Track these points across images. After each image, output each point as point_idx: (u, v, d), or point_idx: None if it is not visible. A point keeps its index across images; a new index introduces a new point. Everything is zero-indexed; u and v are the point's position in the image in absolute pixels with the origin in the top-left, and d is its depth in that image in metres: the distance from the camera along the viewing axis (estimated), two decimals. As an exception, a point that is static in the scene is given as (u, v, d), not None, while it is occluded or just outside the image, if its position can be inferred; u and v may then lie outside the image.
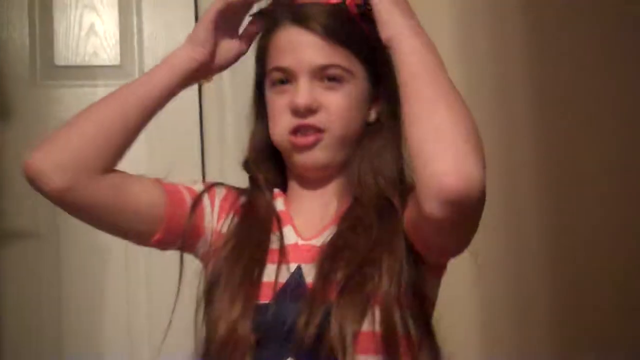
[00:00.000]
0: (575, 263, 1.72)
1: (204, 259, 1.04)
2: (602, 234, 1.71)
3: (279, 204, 1.05)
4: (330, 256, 0.95)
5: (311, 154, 1.00)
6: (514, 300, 1.74)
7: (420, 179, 0.82)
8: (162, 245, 1.02)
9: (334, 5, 1.01)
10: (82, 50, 1.90)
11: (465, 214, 0.81)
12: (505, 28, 1.83)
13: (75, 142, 0.96)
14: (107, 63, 1.89)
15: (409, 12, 0.95)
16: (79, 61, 1.89)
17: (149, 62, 1.86)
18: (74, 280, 1.81)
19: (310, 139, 0.99)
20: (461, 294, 1.57)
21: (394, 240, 0.95)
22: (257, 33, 1.07)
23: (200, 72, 1.05)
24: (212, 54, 1.04)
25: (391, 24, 0.93)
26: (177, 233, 1.01)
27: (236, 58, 1.08)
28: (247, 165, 1.08)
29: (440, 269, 1.00)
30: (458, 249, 0.91)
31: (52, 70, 1.89)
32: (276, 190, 1.06)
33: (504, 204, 1.70)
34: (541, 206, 1.76)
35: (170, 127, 1.77)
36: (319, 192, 1.05)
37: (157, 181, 1.02)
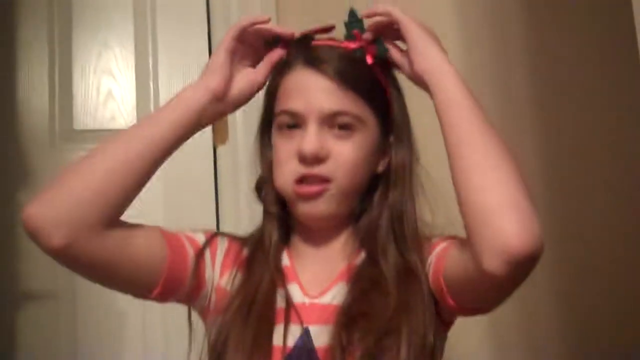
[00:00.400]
0: (579, 265, 1.69)
1: (203, 314, 1.01)
2: (606, 234, 1.68)
3: (284, 258, 1.01)
4: (345, 325, 0.90)
5: (315, 204, 0.95)
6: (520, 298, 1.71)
7: (479, 235, 0.79)
8: (162, 298, 0.96)
9: (351, 50, 0.98)
10: (100, 115, 1.92)
11: (526, 272, 0.79)
12: (507, 26, 1.82)
13: (74, 196, 0.87)
14: (125, 127, 1.89)
15: (442, 47, 0.95)
16: (97, 125, 1.90)
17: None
18: (91, 343, 1.79)
19: (315, 188, 0.94)
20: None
21: (413, 303, 0.91)
22: (275, 63, 1.01)
23: (214, 107, 0.97)
24: (227, 84, 0.97)
25: (429, 56, 0.92)
26: (176, 286, 0.96)
27: (252, 90, 1.01)
28: (259, 191, 1.05)
29: (451, 324, 0.98)
30: (499, 303, 0.87)
31: (70, 135, 1.91)
32: (280, 245, 1.02)
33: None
34: (545, 206, 1.73)
35: (185, 169, 1.79)
36: (324, 246, 1.01)
37: (159, 231, 0.96)
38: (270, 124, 1.02)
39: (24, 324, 1.78)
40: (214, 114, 0.98)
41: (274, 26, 1.02)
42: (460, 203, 0.83)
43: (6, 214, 1.79)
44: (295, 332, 0.93)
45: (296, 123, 0.96)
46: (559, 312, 1.72)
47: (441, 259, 0.91)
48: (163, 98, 1.92)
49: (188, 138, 0.96)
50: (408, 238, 0.97)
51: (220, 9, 1.93)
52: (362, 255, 1.00)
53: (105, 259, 0.89)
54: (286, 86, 0.98)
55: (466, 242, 0.83)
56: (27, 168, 1.84)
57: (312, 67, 0.96)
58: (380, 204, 1.00)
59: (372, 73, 0.99)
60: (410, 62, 0.95)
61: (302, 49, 0.98)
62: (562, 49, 1.77)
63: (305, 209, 0.96)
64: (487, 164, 0.83)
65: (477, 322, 1.66)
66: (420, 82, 0.94)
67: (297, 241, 1.03)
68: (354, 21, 0.99)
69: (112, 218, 0.89)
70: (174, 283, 0.95)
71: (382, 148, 1.01)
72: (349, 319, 0.91)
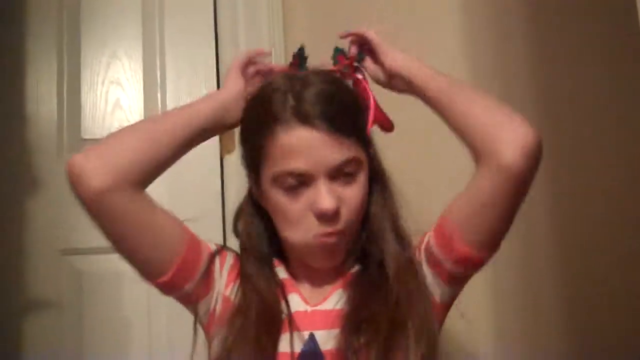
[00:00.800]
0: (582, 261, 1.69)
1: (207, 320, 1.03)
2: (608, 232, 1.68)
3: (281, 272, 1.05)
4: (351, 329, 0.94)
5: (334, 253, 1.01)
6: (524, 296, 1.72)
7: (499, 139, 0.91)
8: (168, 287, 1.00)
9: (332, 80, 1.03)
10: (108, 124, 1.92)
11: (538, 164, 0.92)
12: (509, 26, 1.82)
13: (123, 147, 0.98)
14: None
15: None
16: (104, 135, 1.87)
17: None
18: (97, 352, 1.79)
19: (334, 238, 0.99)
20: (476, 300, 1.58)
21: (415, 294, 0.97)
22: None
23: (231, 109, 1.08)
24: (240, 94, 1.09)
25: (399, 56, 1.10)
26: (185, 279, 1.00)
27: None
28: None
29: (463, 280, 1.03)
30: (514, 212, 0.96)
31: (78, 144, 1.91)
32: (275, 259, 1.07)
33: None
34: (548, 206, 1.73)
35: (192, 179, 1.80)
36: (323, 270, 1.05)
37: (182, 223, 1.03)
38: (257, 177, 1.04)
39: (30, 333, 1.79)
40: (229, 116, 1.09)
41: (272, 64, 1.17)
42: (472, 132, 0.96)
43: (14, 222, 1.81)
44: (300, 338, 0.96)
45: (301, 182, 0.97)
46: (563, 316, 1.72)
47: (441, 222, 1.00)
48: (170, 108, 1.92)
49: (207, 135, 1.08)
50: (401, 230, 1.05)
51: (227, 21, 1.95)
52: (356, 266, 1.05)
53: (133, 220, 0.97)
54: (281, 146, 0.98)
55: (468, 188, 0.97)
56: (35, 177, 1.85)
57: (304, 124, 0.96)
58: (370, 215, 1.06)
59: (355, 104, 1.04)
60: (383, 67, 1.11)
61: (286, 105, 0.99)
62: (566, 47, 1.77)
63: (325, 257, 1.01)
64: (480, 95, 1.01)
65: (481, 325, 1.69)
66: (394, 77, 1.09)
67: (294, 259, 1.07)
68: (337, 51, 1.14)
69: (148, 177, 0.99)
70: (184, 275, 1.00)
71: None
72: (354, 323, 0.95)
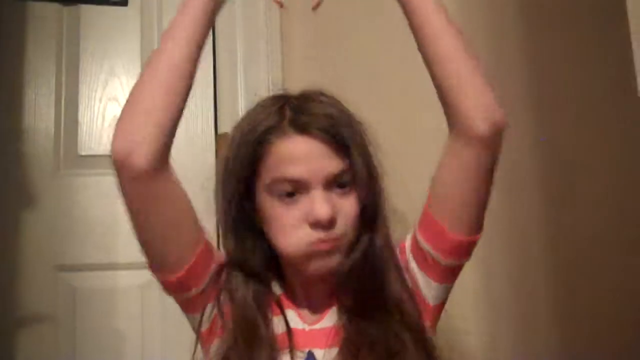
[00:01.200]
0: (576, 267, 1.68)
1: (204, 325, 1.01)
2: (605, 240, 1.66)
3: (275, 287, 1.04)
4: (352, 351, 0.95)
5: (329, 260, 0.98)
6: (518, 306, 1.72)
7: (470, 108, 0.94)
8: (178, 285, 0.98)
9: (329, 96, 1.03)
10: (105, 141, 1.92)
11: (502, 134, 0.95)
12: (503, 26, 1.82)
13: (146, 110, 0.91)
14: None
15: None
16: (101, 151, 1.90)
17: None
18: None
19: (331, 244, 0.97)
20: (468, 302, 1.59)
21: (405, 297, 0.99)
22: None
23: None
24: None
25: None
26: (196, 279, 0.98)
27: None
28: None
29: (456, 271, 1.03)
30: (492, 169, 0.98)
31: (75, 160, 1.92)
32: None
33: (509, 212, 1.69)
34: (542, 208, 1.73)
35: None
36: (317, 280, 1.03)
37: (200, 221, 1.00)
38: (247, 190, 1.03)
39: (24, 347, 1.78)
40: None
41: None
42: (442, 77, 0.96)
43: (9, 237, 1.81)
44: (299, 357, 0.96)
45: (296, 189, 0.98)
46: (554, 311, 1.71)
47: (425, 215, 1.00)
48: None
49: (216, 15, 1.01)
50: (379, 227, 1.03)
51: (225, 36, 1.98)
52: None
53: (167, 196, 0.93)
54: (277, 154, 0.98)
55: (446, 170, 0.98)
56: (31, 192, 1.85)
57: (302, 134, 0.98)
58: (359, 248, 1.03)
59: (349, 116, 1.03)
60: None
61: (285, 117, 1.00)
62: (560, 47, 1.77)
63: (320, 264, 0.99)
64: (459, 41, 0.98)
65: (476, 337, 1.69)
66: None
67: (289, 276, 1.06)
68: None
69: (173, 129, 0.93)
70: (196, 274, 0.98)
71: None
72: (353, 343, 0.96)
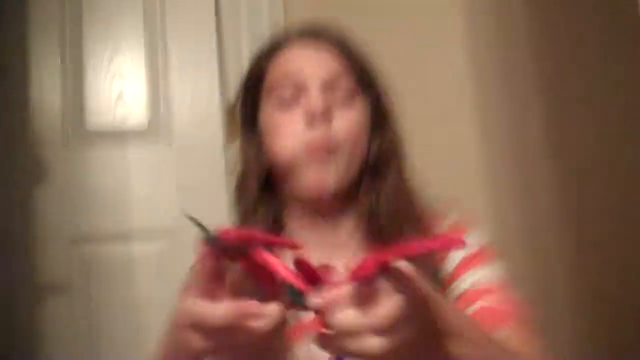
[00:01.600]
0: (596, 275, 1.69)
1: None
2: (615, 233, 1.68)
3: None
4: None
5: (326, 169, 0.93)
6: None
7: None
8: None
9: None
10: (111, 116, 1.94)
11: None
12: (512, 25, 1.83)
13: None
14: (136, 128, 1.94)
15: None
16: (108, 126, 1.93)
17: (176, 127, 1.94)
18: (107, 336, 1.82)
19: (325, 145, 0.93)
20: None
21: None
22: None
23: None
24: None
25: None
26: None
27: None
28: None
29: None
30: None
31: (83, 135, 1.93)
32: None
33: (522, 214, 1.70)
34: (556, 206, 1.74)
35: (195, 171, 1.83)
36: (331, 233, 1.00)
37: None
38: (254, 115, 1.02)
39: (41, 316, 1.81)
40: None
41: None
42: None
43: (21, 211, 1.84)
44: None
45: (295, 94, 0.96)
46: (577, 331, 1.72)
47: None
48: (173, 98, 1.96)
49: None
50: (411, 220, 0.97)
51: (229, 12, 1.99)
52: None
53: None
54: (279, 61, 0.99)
55: None
56: (40, 167, 1.87)
57: (305, 46, 0.99)
58: (375, 190, 0.99)
59: (363, 56, 1.02)
60: None
61: (289, 36, 1.01)
62: (568, 44, 1.78)
63: (316, 175, 0.93)
64: None
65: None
66: None
67: (296, 229, 1.01)
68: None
69: None
70: None
71: (371, 130, 1.01)
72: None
